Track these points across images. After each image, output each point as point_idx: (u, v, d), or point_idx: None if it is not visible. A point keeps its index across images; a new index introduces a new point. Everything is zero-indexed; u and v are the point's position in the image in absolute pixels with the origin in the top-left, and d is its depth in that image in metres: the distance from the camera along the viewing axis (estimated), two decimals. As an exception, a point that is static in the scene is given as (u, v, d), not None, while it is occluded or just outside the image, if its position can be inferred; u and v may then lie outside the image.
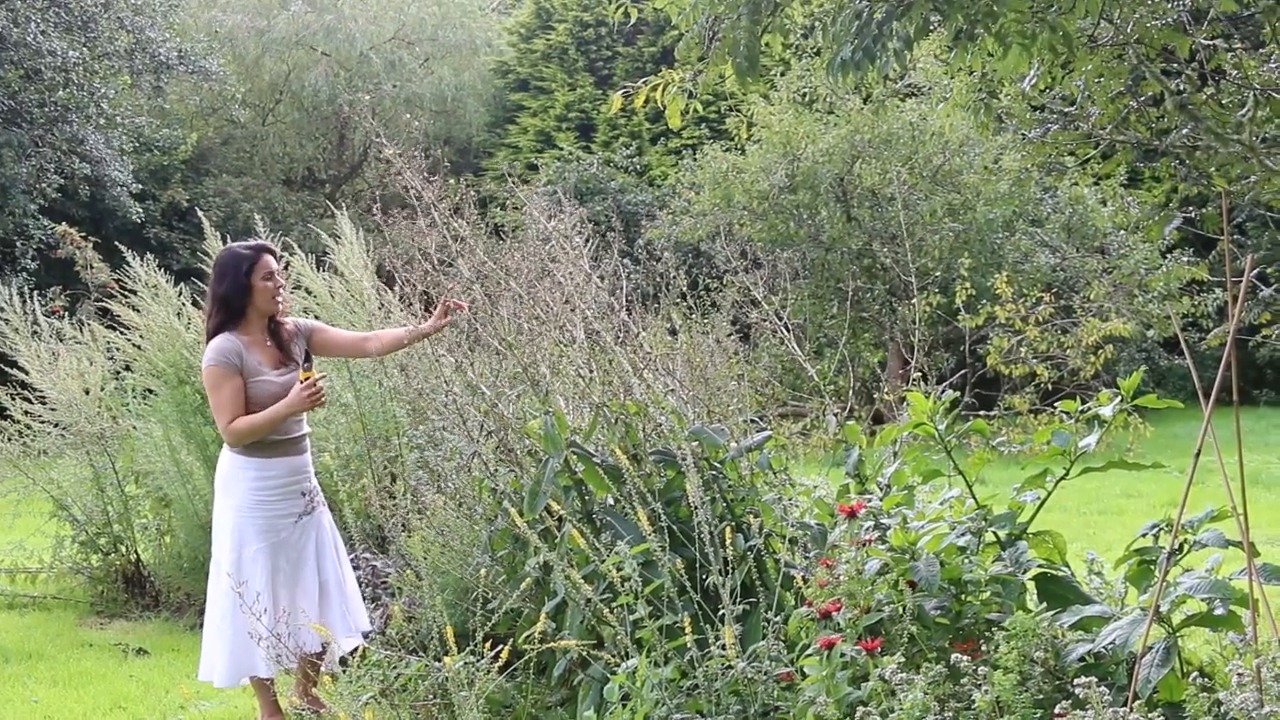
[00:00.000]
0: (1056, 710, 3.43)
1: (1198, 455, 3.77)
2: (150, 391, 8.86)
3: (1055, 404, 5.21)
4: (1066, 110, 7.39)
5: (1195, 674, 3.86)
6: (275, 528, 5.79)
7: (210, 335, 5.81)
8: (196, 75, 22.28)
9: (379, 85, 26.41)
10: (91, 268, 11.31)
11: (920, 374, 6.75)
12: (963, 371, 15.07)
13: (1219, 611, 3.92)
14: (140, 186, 21.95)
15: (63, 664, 7.26)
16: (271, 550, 5.76)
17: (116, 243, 10.76)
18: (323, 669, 5.87)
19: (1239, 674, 3.52)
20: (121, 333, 8.94)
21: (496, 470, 5.99)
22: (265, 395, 5.75)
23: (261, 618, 5.42)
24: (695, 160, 19.99)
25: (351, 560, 6.88)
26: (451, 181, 6.48)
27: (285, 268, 5.83)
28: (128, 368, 9.10)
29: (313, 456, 6.14)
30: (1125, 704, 3.59)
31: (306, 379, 5.69)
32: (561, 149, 26.03)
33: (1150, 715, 3.34)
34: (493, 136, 28.30)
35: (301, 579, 5.83)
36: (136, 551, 8.77)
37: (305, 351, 5.88)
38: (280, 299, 5.86)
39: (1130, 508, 10.92)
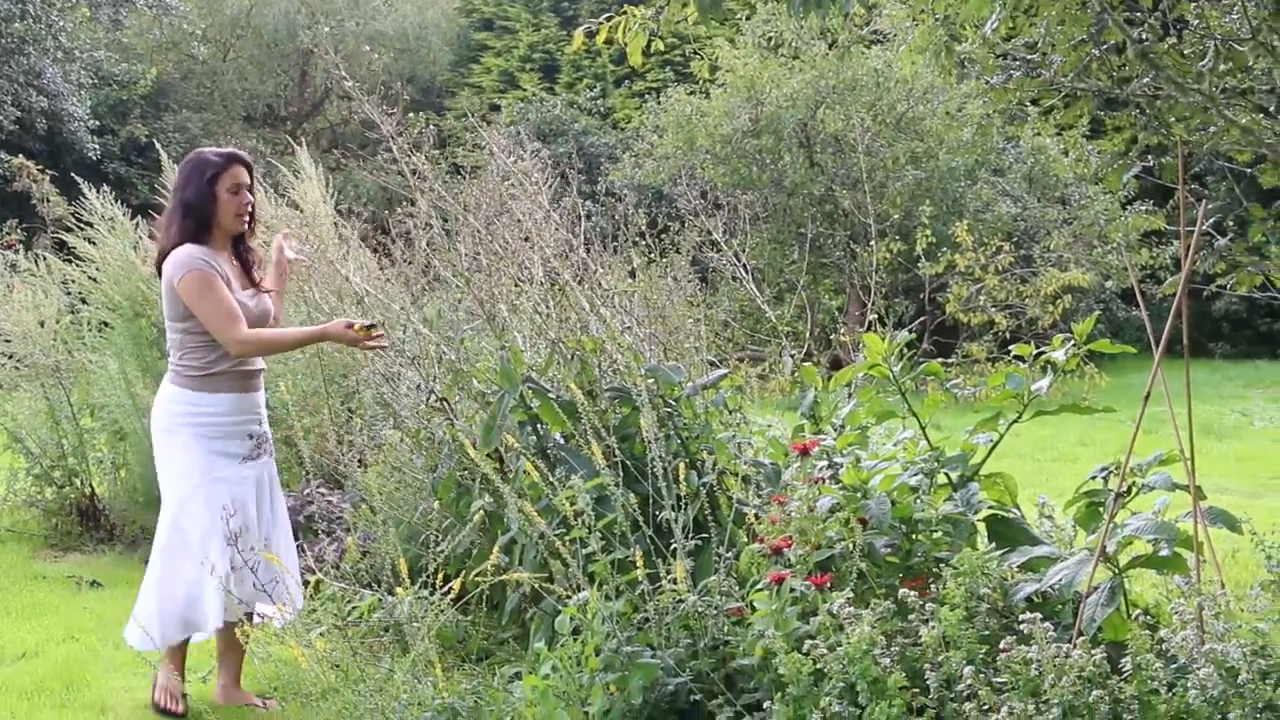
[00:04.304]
0: (1001, 645, 3.46)
1: (1147, 398, 3.81)
2: (106, 324, 8.82)
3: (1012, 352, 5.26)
4: (1029, 57, 7.39)
5: (1140, 614, 3.90)
6: (219, 465, 5.22)
7: (172, 247, 5.18)
8: (156, 9, 22.14)
9: (342, 22, 26.25)
10: (48, 201, 11.22)
11: (878, 317, 6.78)
12: (922, 319, 15.15)
13: (1164, 553, 3.96)
14: (98, 121, 21.77)
15: (16, 596, 7.24)
16: (214, 487, 5.18)
17: (74, 176, 10.66)
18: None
19: (1180, 613, 3.57)
20: (77, 266, 8.89)
21: (431, 419, 5.98)
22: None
23: (204, 571, 5.05)
24: (659, 103, 19.95)
25: (306, 495, 6.88)
26: (410, 116, 6.43)
27: (251, 187, 5.32)
28: (83, 301, 9.05)
29: (265, 396, 5.58)
30: (1069, 641, 3.63)
31: (364, 329, 5.22)
32: (525, 89, 25.93)
33: (1093, 652, 3.38)
34: (456, 76, 28.16)
35: (246, 531, 5.13)
36: (91, 485, 8.73)
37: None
38: (246, 217, 5.30)
39: (1084, 455, 11.02)
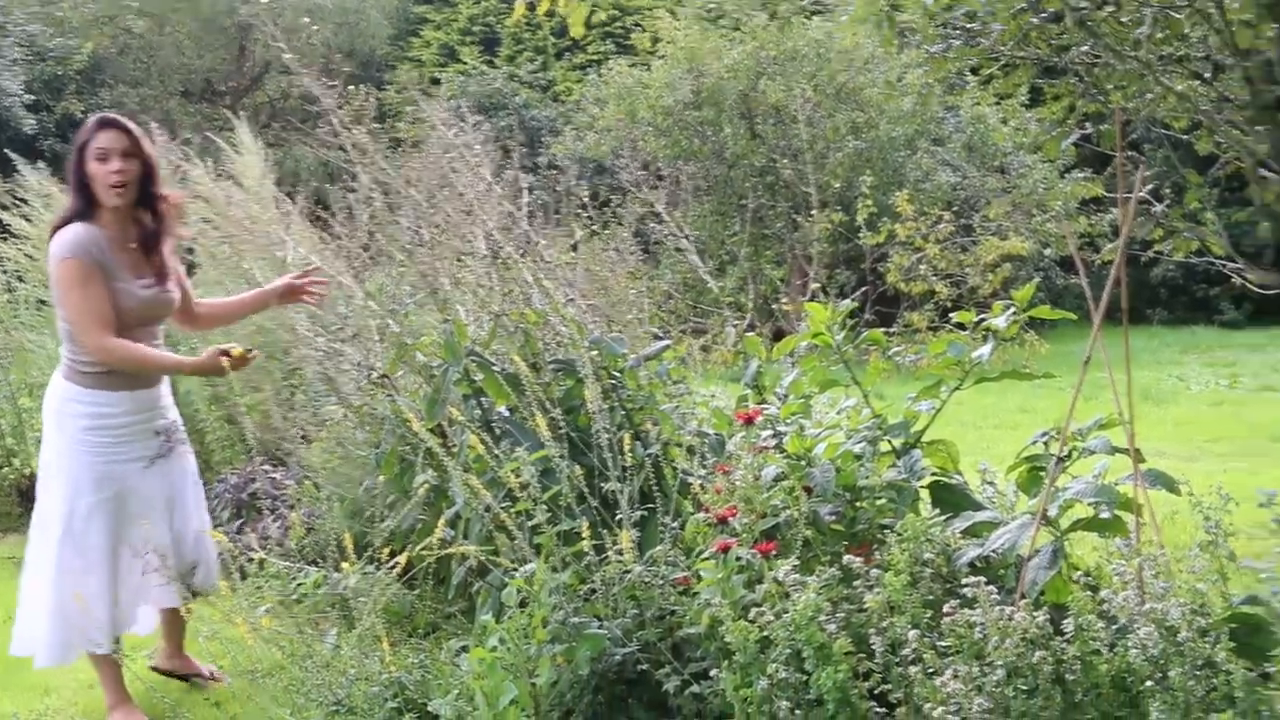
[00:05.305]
0: (945, 609, 3.49)
1: (1086, 363, 3.84)
2: (43, 303, 8.73)
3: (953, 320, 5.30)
4: (969, 26, 7.42)
5: (1081, 575, 3.95)
6: (119, 475, 4.83)
7: (59, 226, 4.76)
8: (91, -18, 21.83)
9: (280, -5, 25.96)
10: (-19, 179, 11.07)
11: (820, 287, 6.81)
12: (863, 289, 15.19)
13: (1105, 515, 4.00)
14: (33, 97, 21.49)
15: (-45, 577, 7.17)
16: (115, 502, 4.83)
17: (8, 152, 10.54)
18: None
19: (1121, 574, 3.61)
20: (13, 243, 8.80)
21: (374, 395, 5.96)
22: (125, 309, 4.73)
23: (93, 590, 4.76)
24: (600, 76, 19.90)
25: (249, 473, 6.84)
26: (352, 89, 6.38)
27: (126, 152, 4.76)
28: (20, 279, 8.96)
29: (171, 385, 5.22)
30: (1012, 605, 3.66)
31: (236, 357, 4.86)
32: (465, 63, 25.78)
33: (1036, 614, 3.42)
34: (395, 49, 27.96)
35: (152, 533, 4.83)
36: (31, 465, 8.64)
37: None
38: (118, 188, 4.72)
39: (1025, 422, 11.09)
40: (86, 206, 4.75)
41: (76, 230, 4.70)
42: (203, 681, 5.31)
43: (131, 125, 4.84)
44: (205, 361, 4.88)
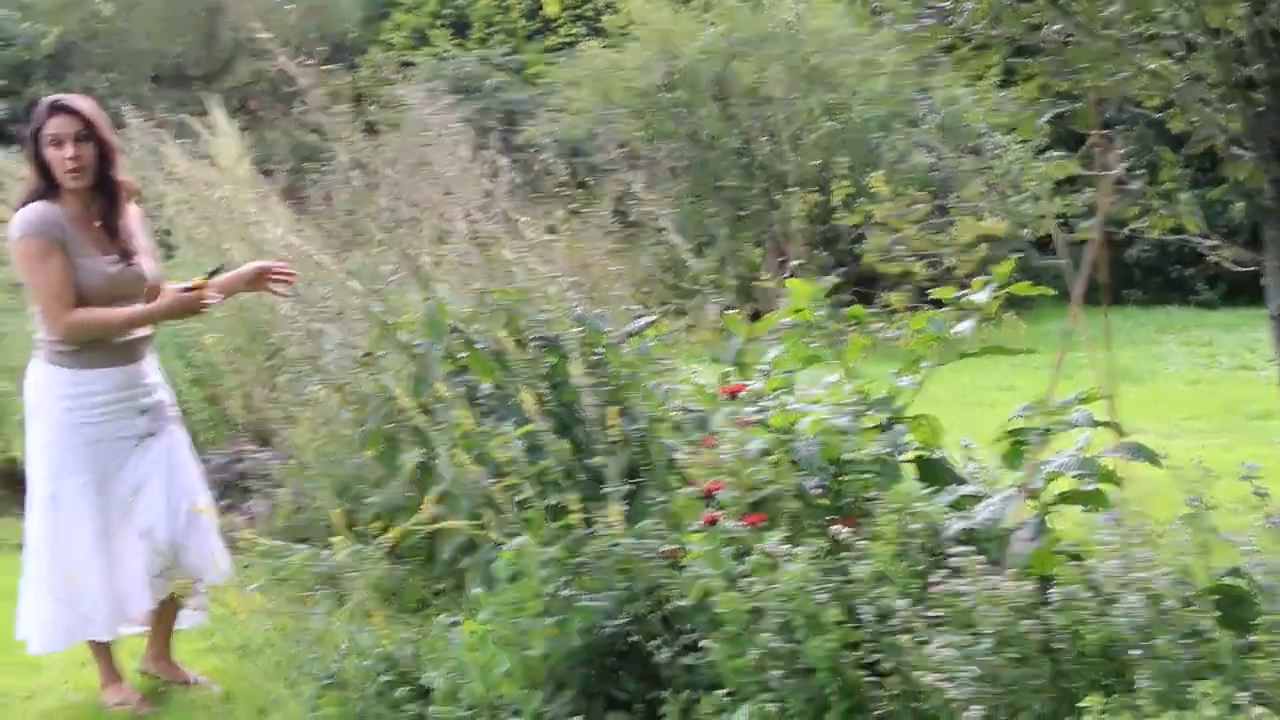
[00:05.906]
0: (933, 579, 3.53)
1: (1069, 335, 3.88)
2: (19, 285, 8.70)
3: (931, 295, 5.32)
4: (941, 4, 7.45)
5: (1065, 546, 3.98)
6: (105, 454, 4.76)
7: (21, 205, 4.75)
8: (58, -34, 21.69)
9: (250, -21, 25.81)
10: (-47, 163, 11.04)
11: (800, 264, 6.85)
12: (841, 269, 15.24)
13: (1088, 488, 4.05)
14: (3, 82, 21.40)
15: (-60, 562, 7.15)
16: (103, 483, 4.76)
17: (-21, 137, 10.51)
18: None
19: (1106, 545, 3.65)
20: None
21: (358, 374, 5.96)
22: (91, 286, 4.68)
23: (87, 573, 4.72)
24: (573, 59, 19.86)
25: (234, 454, 6.84)
26: (328, 68, 6.37)
27: (79, 136, 4.70)
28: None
29: (156, 360, 5.09)
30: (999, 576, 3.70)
31: (198, 287, 4.76)
32: (436, 46, 25.71)
33: (1022, 584, 3.45)
34: (367, 33, 27.84)
35: (149, 514, 4.82)
36: (12, 449, 8.61)
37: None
38: (74, 172, 4.68)
39: (1004, 400, 11.13)
40: (48, 186, 4.71)
41: (36, 209, 4.68)
42: (187, 687, 5.15)
43: (84, 107, 4.77)
44: (173, 303, 4.83)
